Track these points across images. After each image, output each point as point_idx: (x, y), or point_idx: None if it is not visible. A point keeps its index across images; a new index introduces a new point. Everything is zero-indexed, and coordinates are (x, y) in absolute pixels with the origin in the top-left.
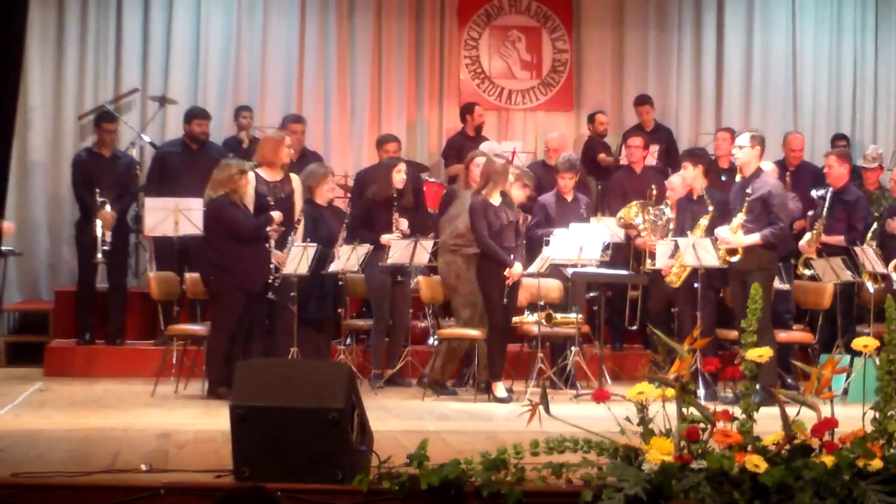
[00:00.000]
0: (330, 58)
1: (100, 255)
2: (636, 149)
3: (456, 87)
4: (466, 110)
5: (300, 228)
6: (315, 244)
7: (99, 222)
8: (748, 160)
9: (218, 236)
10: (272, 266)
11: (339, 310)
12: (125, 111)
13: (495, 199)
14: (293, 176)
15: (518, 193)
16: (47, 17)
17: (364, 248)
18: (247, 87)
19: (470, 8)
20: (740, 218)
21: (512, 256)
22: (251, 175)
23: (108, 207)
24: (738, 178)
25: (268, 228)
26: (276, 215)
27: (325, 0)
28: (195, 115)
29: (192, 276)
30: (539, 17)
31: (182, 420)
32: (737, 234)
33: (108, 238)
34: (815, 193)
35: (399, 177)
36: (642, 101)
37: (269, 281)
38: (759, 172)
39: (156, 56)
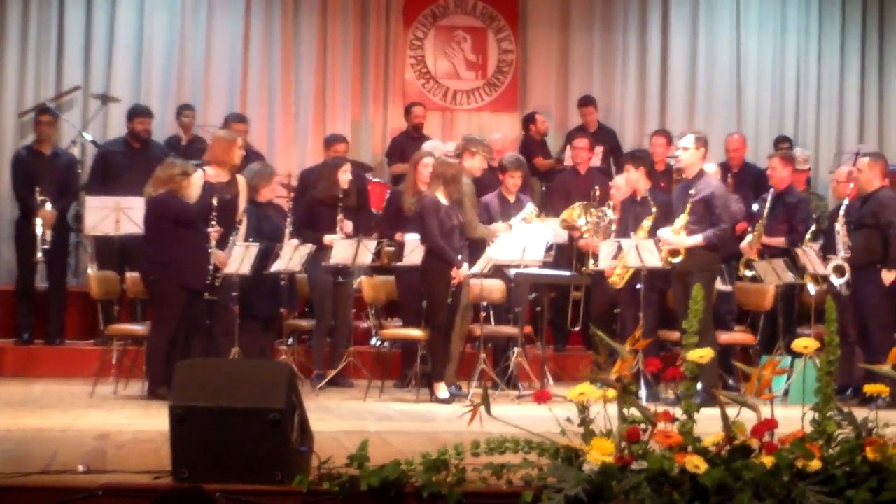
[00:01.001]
0: (274, 57)
1: (39, 254)
2: (582, 150)
3: (401, 87)
4: (406, 110)
5: (242, 229)
6: (257, 243)
7: (39, 221)
8: (692, 162)
9: (159, 233)
10: (211, 267)
11: (282, 310)
12: (67, 109)
13: (444, 200)
14: (239, 177)
15: (472, 163)
16: None
17: (307, 248)
18: (190, 86)
19: (415, 8)
20: (683, 219)
21: (459, 257)
22: (198, 174)
23: (48, 206)
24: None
25: (210, 229)
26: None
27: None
28: (137, 113)
29: (132, 276)
30: (485, 17)
31: (121, 421)
32: (679, 235)
33: (48, 237)
34: (755, 208)
35: (345, 177)
36: (586, 102)
37: (209, 281)
38: (702, 174)
39: (98, 53)
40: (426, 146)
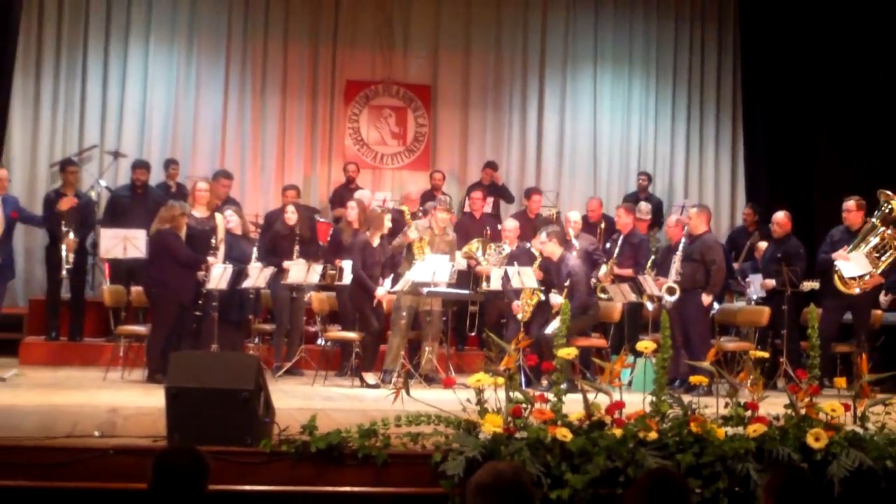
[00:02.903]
0: (245, 125)
1: (64, 272)
2: (477, 200)
3: (341, 151)
4: (344, 168)
5: (220, 253)
6: (232, 266)
7: (64, 247)
8: (551, 251)
9: (161, 259)
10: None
11: (250, 316)
12: (86, 162)
13: (375, 241)
14: (217, 214)
15: (442, 216)
16: (27, 85)
17: (270, 270)
18: (182, 145)
19: (353, 91)
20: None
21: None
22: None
23: (71, 235)
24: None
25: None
26: (211, 260)
27: (243, 81)
28: (137, 165)
29: (136, 289)
30: (405, 99)
31: (127, 399)
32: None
33: (71, 259)
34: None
35: (286, 215)
36: (487, 165)
37: (196, 298)
38: (563, 257)
39: (111, 119)
40: (357, 195)
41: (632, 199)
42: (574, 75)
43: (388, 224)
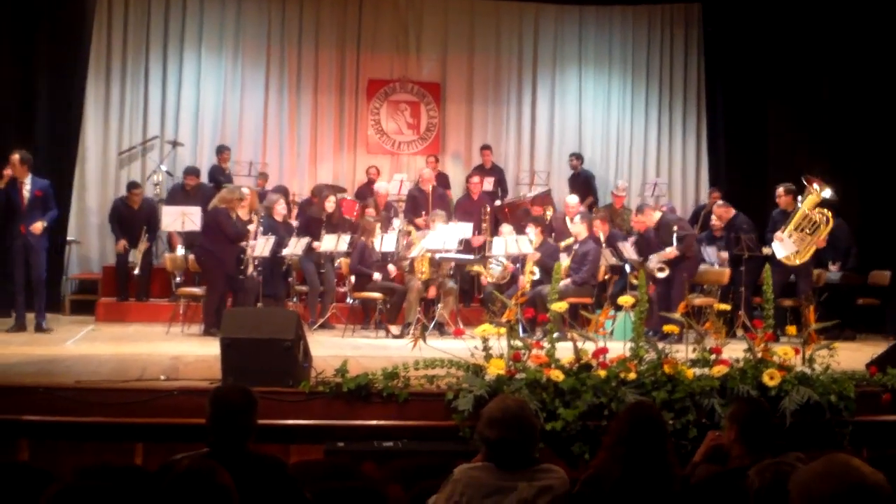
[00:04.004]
0: (284, 118)
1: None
2: (475, 184)
3: (365, 139)
4: (367, 171)
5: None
6: (273, 236)
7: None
8: (578, 230)
9: (212, 232)
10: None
11: (289, 279)
12: (149, 150)
13: (369, 244)
14: (253, 215)
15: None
16: (98, 87)
17: (305, 240)
18: (229, 136)
19: (374, 88)
20: (567, 262)
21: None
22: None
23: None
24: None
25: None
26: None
27: (281, 81)
28: (187, 172)
29: (193, 257)
30: (419, 95)
31: (187, 349)
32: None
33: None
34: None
35: (326, 203)
36: (483, 147)
37: (241, 268)
38: (587, 240)
39: (170, 113)
40: (376, 186)
41: (569, 182)
42: (562, 73)
43: (378, 232)
